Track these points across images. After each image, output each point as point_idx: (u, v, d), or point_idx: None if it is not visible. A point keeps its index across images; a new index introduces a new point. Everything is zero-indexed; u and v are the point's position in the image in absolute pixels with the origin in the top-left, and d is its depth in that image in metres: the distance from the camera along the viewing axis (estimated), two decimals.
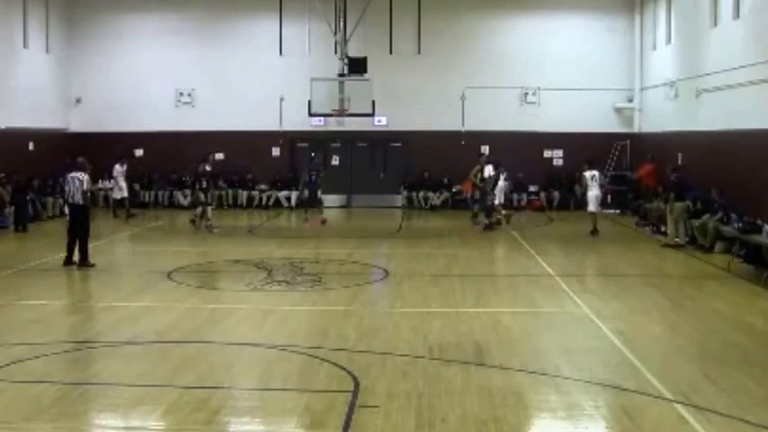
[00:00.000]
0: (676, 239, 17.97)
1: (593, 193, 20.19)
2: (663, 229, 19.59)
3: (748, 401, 7.53)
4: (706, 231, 17.21)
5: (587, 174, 20.36)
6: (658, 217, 20.04)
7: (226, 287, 13.51)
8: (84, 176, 15.05)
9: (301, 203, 26.03)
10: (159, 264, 15.25)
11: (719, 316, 11.38)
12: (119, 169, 24.04)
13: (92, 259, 15.07)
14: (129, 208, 23.88)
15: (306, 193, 23.15)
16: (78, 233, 15.00)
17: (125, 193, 23.94)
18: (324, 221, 22.47)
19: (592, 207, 20.23)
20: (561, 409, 7.35)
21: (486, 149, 26.50)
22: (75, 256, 14.98)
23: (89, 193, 15.33)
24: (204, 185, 20.81)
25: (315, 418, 7.06)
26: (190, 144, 26.45)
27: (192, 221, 20.96)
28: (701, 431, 6.79)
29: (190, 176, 23.65)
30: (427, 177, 27.13)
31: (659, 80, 24.42)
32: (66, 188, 15.30)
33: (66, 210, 15.75)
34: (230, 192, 27.13)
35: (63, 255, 15.15)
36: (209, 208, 20.81)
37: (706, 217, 17.60)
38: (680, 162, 22.02)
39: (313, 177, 23.13)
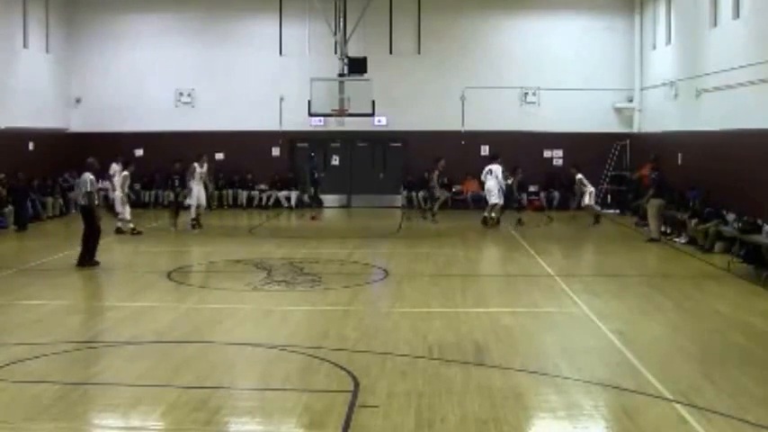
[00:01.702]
0: (674, 239, 18.49)
1: (589, 189, 22.61)
2: (663, 228, 19.73)
3: (748, 401, 7.53)
4: (706, 232, 17.24)
5: (579, 176, 22.61)
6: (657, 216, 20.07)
7: (226, 287, 13.51)
8: (90, 177, 15.04)
9: (301, 202, 26.32)
10: (159, 264, 15.26)
11: (719, 316, 11.38)
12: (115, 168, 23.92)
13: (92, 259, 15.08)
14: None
15: (312, 190, 23.54)
16: (84, 233, 15.01)
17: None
18: (313, 218, 23.53)
19: (588, 201, 22.67)
20: (561, 409, 7.35)
21: (486, 149, 26.69)
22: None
23: (95, 194, 15.27)
24: (176, 184, 20.93)
25: (314, 418, 7.06)
26: (190, 144, 26.40)
27: (193, 224, 20.86)
28: (701, 431, 6.80)
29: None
30: (427, 177, 27.10)
31: (659, 80, 24.42)
32: (76, 189, 15.31)
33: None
34: (230, 192, 27.13)
35: (63, 254, 15.16)
36: (194, 207, 20.76)
37: (695, 221, 17.79)
38: (680, 162, 22.06)
39: (316, 175, 23.53)
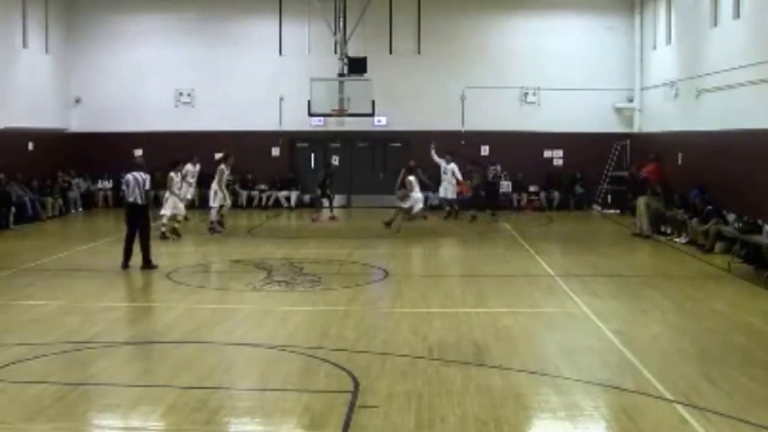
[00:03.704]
0: (674, 239, 18.92)
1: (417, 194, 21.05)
2: (662, 228, 19.80)
3: (748, 401, 7.53)
4: (707, 232, 17.23)
5: (410, 178, 21.27)
6: (658, 216, 20.10)
7: (225, 287, 13.50)
8: (147, 176, 14.93)
9: (301, 202, 26.40)
10: (159, 264, 15.22)
11: (719, 316, 11.37)
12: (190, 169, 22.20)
13: (94, 260, 15.03)
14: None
15: (319, 192, 23.62)
16: (140, 234, 14.82)
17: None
18: (315, 219, 23.47)
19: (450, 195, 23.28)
20: (561, 410, 7.34)
21: (486, 150, 26.81)
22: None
23: (151, 193, 15.20)
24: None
25: (314, 419, 7.05)
26: (190, 144, 26.42)
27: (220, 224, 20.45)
28: (701, 431, 6.79)
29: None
30: (427, 177, 27.07)
31: (659, 80, 24.41)
32: (126, 188, 14.93)
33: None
34: (230, 192, 27.07)
35: (62, 254, 15.10)
36: (217, 209, 20.20)
37: (695, 221, 17.85)
38: (680, 162, 22.05)
39: (328, 181, 23.67)
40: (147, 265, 14.74)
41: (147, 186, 14.86)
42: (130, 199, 14.81)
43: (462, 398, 7.58)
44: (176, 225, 18.89)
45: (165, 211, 18.71)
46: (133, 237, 14.82)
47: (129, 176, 14.86)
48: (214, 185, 20.16)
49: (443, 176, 23.61)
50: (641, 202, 20.07)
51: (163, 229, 18.48)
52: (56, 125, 26.77)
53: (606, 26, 27.03)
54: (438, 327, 10.47)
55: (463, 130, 26.99)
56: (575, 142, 26.68)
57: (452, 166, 23.43)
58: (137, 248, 14.76)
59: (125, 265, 14.76)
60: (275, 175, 27.34)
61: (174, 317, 11.12)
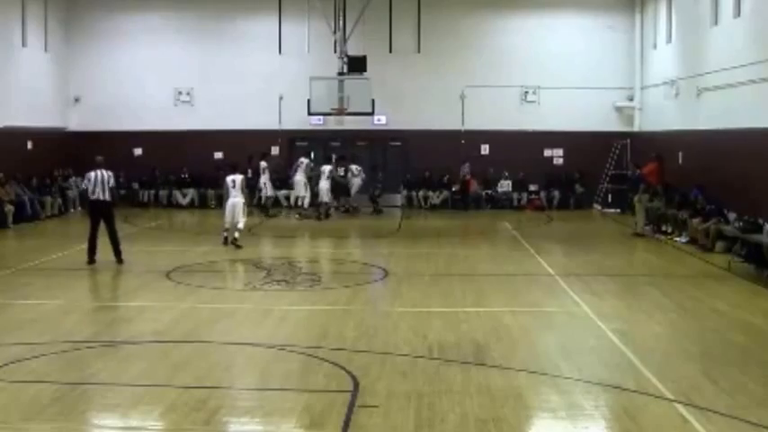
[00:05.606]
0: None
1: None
2: (663, 228, 19.79)
3: (748, 401, 7.51)
4: (707, 231, 17.21)
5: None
6: (659, 216, 20.10)
7: (225, 287, 13.47)
8: (110, 174, 15.15)
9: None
10: (158, 263, 15.22)
11: (720, 315, 11.35)
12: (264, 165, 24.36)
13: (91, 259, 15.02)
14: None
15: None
16: (108, 230, 15.08)
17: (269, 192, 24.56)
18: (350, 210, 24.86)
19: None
20: (561, 409, 7.32)
21: (486, 149, 26.86)
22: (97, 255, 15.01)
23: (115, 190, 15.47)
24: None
25: (314, 418, 7.03)
26: (189, 143, 26.43)
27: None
28: (702, 431, 6.77)
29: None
30: (428, 177, 27.09)
31: (660, 79, 24.38)
32: (89, 186, 15.03)
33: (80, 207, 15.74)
34: None
35: (61, 254, 15.05)
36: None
37: (696, 220, 17.86)
38: (680, 161, 22.04)
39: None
40: (118, 259, 14.96)
41: (112, 183, 15.13)
42: (93, 196, 15.01)
43: (462, 397, 7.56)
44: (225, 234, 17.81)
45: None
46: (96, 232, 15.03)
47: (91, 174, 15.09)
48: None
49: (324, 181, 24.01)
50: (635, 199, 20.15)
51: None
52: (55, 124, 26.74)
53: (607, 25, 27.01)
54: (438, 326, 10.45)
55: (463, 128, 26.97)
56: (575, 141, 26.65)
57: (329, 167, 24.14)
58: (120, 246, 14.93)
59: (91, 260, 14.91)
60: (275, 174, 27.25)
61: (174, 316, 11.09)
